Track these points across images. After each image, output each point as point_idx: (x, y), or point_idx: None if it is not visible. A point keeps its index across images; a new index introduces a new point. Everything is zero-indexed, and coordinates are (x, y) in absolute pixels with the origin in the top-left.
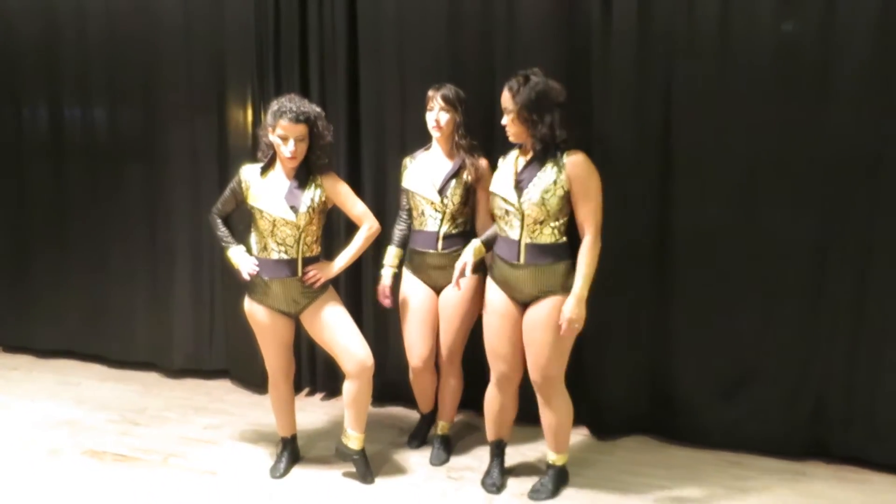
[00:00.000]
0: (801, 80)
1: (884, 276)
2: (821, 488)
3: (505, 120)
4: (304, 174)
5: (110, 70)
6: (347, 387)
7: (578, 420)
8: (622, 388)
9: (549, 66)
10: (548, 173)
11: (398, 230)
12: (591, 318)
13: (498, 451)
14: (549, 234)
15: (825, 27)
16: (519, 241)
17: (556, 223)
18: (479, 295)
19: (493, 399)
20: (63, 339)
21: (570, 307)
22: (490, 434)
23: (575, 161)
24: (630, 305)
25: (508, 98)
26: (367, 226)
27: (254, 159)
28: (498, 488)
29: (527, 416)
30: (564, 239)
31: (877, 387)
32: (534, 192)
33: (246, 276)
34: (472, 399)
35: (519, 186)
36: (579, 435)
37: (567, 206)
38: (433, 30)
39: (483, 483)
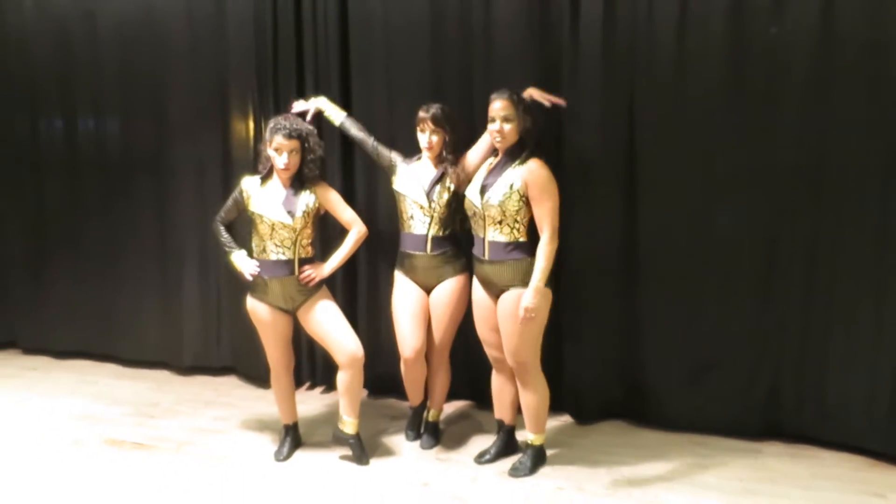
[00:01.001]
0: (751, 91)
1: (828, 272)
2: (774, 464)
3: (501, 126)
4: (299, 183)
5: (122, 87)
6: (341, 377)
7: (560, 407)
8: (598, 377)
9: (524, 82)
10: (508, 178)
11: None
12: (569, 313)
13: (500, 430)
14: (508, 233)
15: (772, 42)
16: (484, 238)
17: (515, 223)
18: (465, 293)
19: (493, 380)
20: (79, 341)
21: (527, 297)
22: (495, 412)
23: (531, 168)
24: (602, 301)
25: (510, 107)
26: (356, 230)
27: (254, 171)
28: (485, 462)
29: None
30: (524, 238)
31: (825, 372)
32: (494, 195)
33: (248, 277)
34: (471, 391)
35: (484, 190)
36: (560, 420)
37: (525, 207)
38: (418, 52)
39: (477, 454)
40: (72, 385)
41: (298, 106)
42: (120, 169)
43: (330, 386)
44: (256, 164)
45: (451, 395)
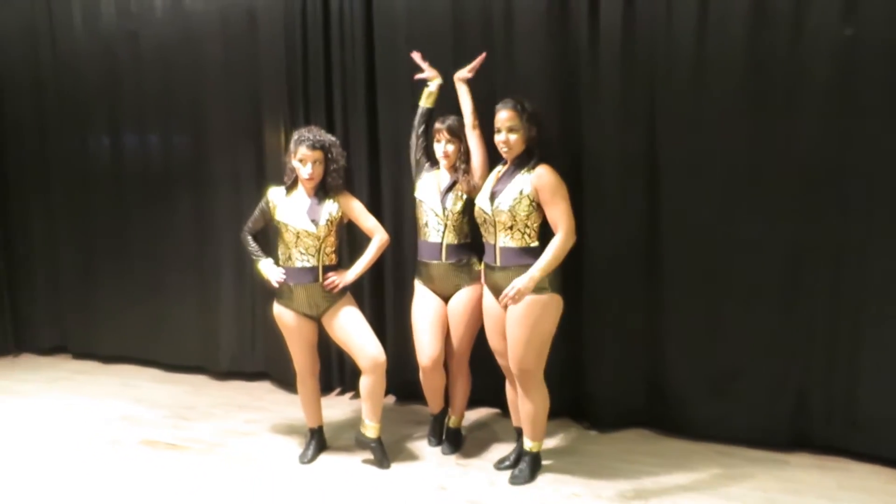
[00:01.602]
0: (771, 95)
1: (857, 277)
2: (801, 475)
3: (506, 137)
4: (323, 193)
5: (163, 106)
6: (363, 381)
7: (580, 414)
8: (619, 384)
9: (543, 90)
10: (517, 184)
11: None
12: (590, 318)
13: (519, 438)
14: (519, 239)
15: (793, 47)
16: (495, 245)
17: (526, 228)
18: (482, 302)
19: (508, 389)
20: (124, 346)
21: (522, 280)
22: (513, 420)
23: (540, 173)
24: (625, 307)
25: (515, 118)
26: (378, 237)
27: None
28: (504, 468)
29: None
30: (536, 243)
31: (855, 381)
32: (504, 201)
33: (275, 284)
34: (495, 399)
35: (493, 197)
36: (579, 427)
37: (536, 212)
38: (440, 63)
39: (497, 461)
40: (115, 388)
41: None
42: (161, 182)
43: (358, 392)
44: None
45: (476, 403)
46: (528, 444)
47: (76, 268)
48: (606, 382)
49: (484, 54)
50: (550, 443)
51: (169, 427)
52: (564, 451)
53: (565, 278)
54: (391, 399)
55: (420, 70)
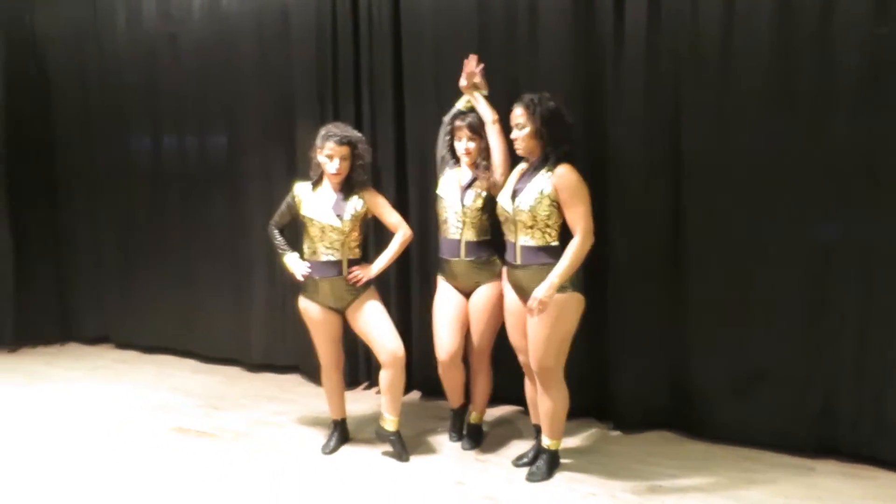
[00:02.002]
0: (799, 92)
1: (886, 277)
2: (826, 482)
3: (517, 134)
4: (348, 188)
5: (200, 106)
6: (383, 375)
7: (602, 414)
8: (643, 385)
9: (568, 87)
10: (538, 184)
11: None
12: (613, 317)
13: (538, 435)
14: (539, 238)
15: (821, 43)
16: (515, 243)
17: (547, 228)
18: (502, 299)
19: (527, 386)
20: (163, 337)
21: (541, 289)
22: (532, 417)
23: (561, 173)
24: (649, 307)
25: (524, 115)
26: (401, 233)
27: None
28: (522, 465)
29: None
30: (556, 242)
31: (884, 385)
32: (524, 200)
33: (300, 277)
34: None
35: (515, 195)
36: (602, 427)
37: (556, 212)
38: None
39: (515, 457)
40: (153, 377)
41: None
42: (197, 180)
43: None
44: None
45: (499, 400)
46: (547, 442)
47: (118, 262)
48: (630, 383)
49: (471, 57)
50: (571, 442)
51: (200, 416)
52: (584, 450)
53: (589, 277)
54: (416, 394)
55: (466, 74)
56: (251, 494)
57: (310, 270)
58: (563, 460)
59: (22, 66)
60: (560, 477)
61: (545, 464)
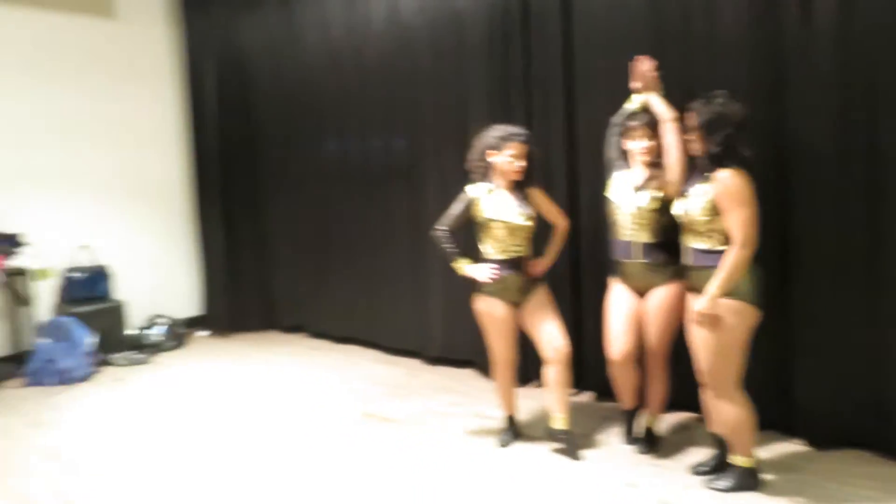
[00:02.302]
0: None
1: None
2: None
3: (688, 136)
4: (519, 187)
5: (383, 112)
6: (548, 372)
7: (791, 429)
8: (837, 400)
9: (745, 85)
10: (702, 186)
11: None
12: (802, 325)
13: (717, 444)
14: (709, 241)
15: None
16: (689, 246)
17: (712, 231)
18: (677, 302)
19: (702, 393)
20: (351, 329)
21: (700, 302)
22: (707, 425)
23: (722, 177)
24: (844, 316)
25: (693, 117)
26: (563, 224)
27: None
28: (702, 473)
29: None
30: (725, 246)
31: None
32: (690, 203)
33: (488, 280)
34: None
35: (685, 198)
36: (790, 442)
37: (719, 216)
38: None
39: (695, 464)
40: (342, 365)
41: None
42: (381, 180)
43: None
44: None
45: (677, 406)
46: (736, 459)
47: (312, 259)
48: (822, 397)
49: (642, 58)
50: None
51: (384, 402)
52: (770, 465)
53: (773, 283)
54: (590, 395)
55: (639, 74)
56: (425, 479)
57: (497, 271)
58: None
59: (231, 82)
60: None
61: (733, 478)
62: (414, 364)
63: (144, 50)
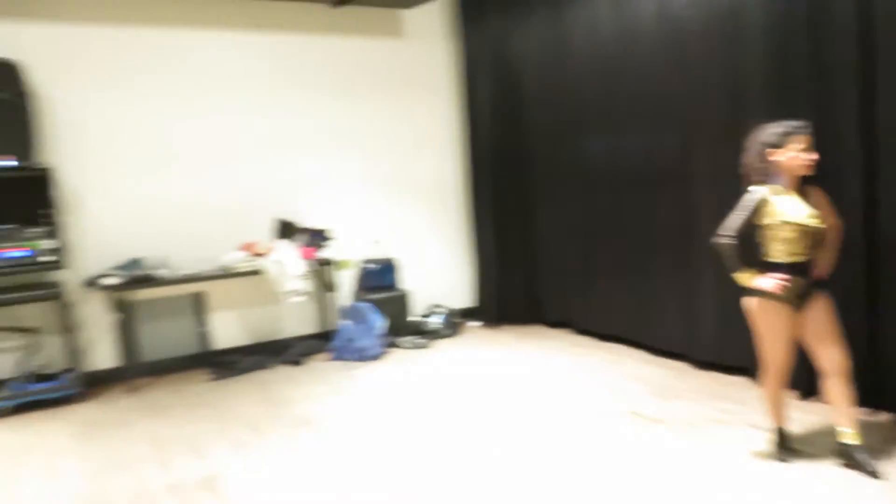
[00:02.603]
0: None
1: None
2: None
3: None
4: (800, 186)
5: (652, 109)
6: (827, 386)
7: None
8: None
9: None
10: None
11: None
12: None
13: None
14: None
15: None
16: None
17: None
18: None
19: None
20: (616, 327)
21: None
22: None
23: None
24: None
25: None
26: (837, 224)
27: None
28: None
29: None
30: None
31: None
32: None
33: (779, 291)
34: None
35: None
36: None
37: None
38: None
39: None
40: (607, 363)
41: None
42: (650, 179)
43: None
44: (752, 174)
45: None
46: None
47: (579, 255)
48: None
49: None
50: None
51: (650, 403)
52: None
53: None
54: (891, 416)
55: None
56: (699, 483)
57: (787, 281)
58: None
59: (503, 89)
60: None
61: None
62: (681, 366)
63: (426, 63)
